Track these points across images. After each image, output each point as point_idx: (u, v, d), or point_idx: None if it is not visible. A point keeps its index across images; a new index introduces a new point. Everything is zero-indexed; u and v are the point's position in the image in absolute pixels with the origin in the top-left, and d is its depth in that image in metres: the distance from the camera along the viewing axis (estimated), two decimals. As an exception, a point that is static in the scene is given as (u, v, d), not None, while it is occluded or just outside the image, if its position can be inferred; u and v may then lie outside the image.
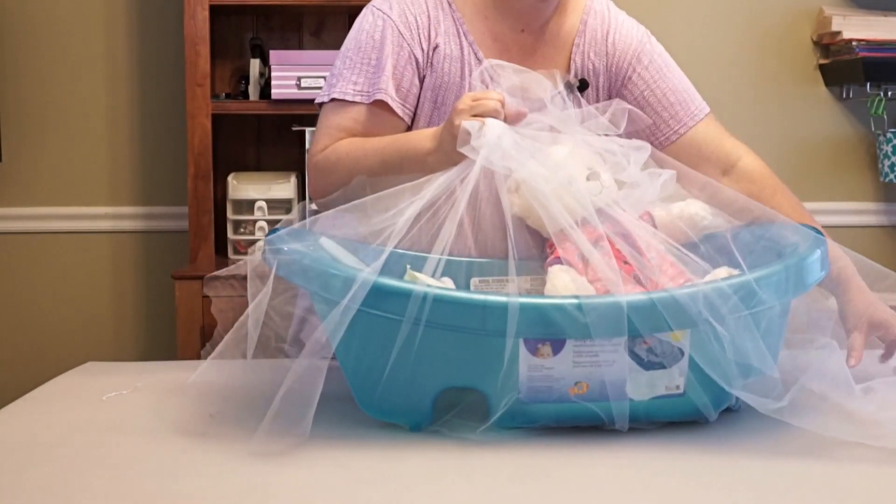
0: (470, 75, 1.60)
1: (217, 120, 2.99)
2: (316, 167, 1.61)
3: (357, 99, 1.59)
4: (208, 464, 1.19)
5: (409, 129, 1.61)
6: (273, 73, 2.94)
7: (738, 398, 1.33)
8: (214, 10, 2.93)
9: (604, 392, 1.26)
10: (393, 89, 1.58)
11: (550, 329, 1.22)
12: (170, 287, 2.98)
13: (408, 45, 1.59)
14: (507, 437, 1.27)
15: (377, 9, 1.63)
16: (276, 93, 2.94)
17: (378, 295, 1.23)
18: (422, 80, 1.61)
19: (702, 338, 1.23)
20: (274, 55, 2.96)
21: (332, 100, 1.62)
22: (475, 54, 1.61)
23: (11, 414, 1.42)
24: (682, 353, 1.25)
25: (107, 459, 1.21)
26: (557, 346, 1.23)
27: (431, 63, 1.60)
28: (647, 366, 1.25)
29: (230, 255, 3.02)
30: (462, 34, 1.62)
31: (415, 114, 1.62)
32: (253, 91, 3.03)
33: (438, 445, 1.25)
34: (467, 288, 1.52)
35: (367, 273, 1.24)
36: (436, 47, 1.60)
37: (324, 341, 1.24)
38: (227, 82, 3.21)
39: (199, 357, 2.74)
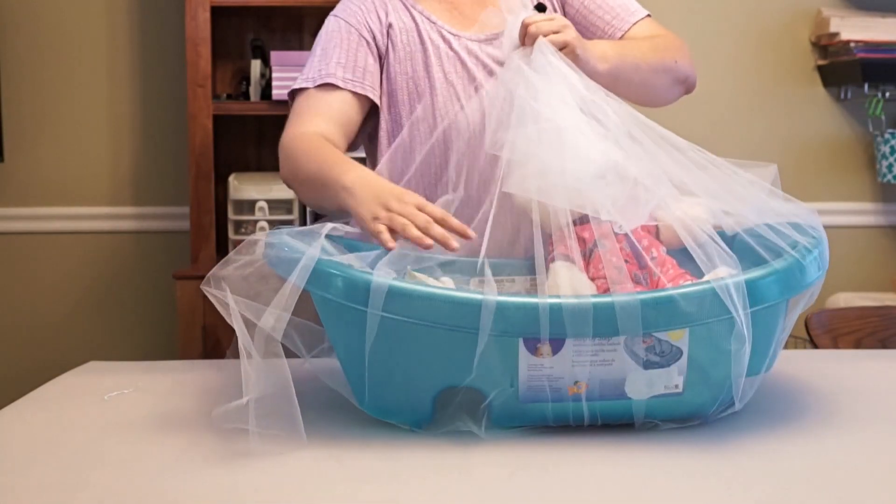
0: (430, 40, 1.71)
1: (218, 120, 3.00)
2: (280, 150, 1.68)
3: (306, 84, 1.70)
4: (208, 464, 1.20)
5: (390, 101, 1.72)
6: (274, 74, 2.94)
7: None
8: (215, 11, 2.93)
9: (603, 391, 1.26)
10: (343, 71, 1.69)
11: (546, 328, 1.22)
12: (171, 287, 2.99)
13: (355, 30, 1.72)
14: (507, 436, 1.28)
15: (330, 15, 1.78)
16: (276, 93, 2.95)
17: (375, 294, 1.24)
18: (382, 59, 1.73)
19: (700, 337, 1.24)
20: (275, 56, 2.96)
21: (293, 93, 1.74)
22: (428, 19, 1.73)
23: (12, 414, 1.42)
24: (682, 353, 1.25)
25: (107, 459, 1.22)
26: (557, 346, 1.24)
27: (391, 40, 1.73)
28: (646, 365, 1.25)
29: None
30: (409, 7, 1.75)
31: (392, 88, 1.72)
32: (254, 92, 3.04)
33: (439, 445, 1.26)
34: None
35: (310, 256, 1.27)
36: (390, 25, 1.73)
37: (274, 339, 1.25)
38: (228, 83, 3.21)
39: (199, 357, 2.75)
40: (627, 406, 1.28)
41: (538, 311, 1.22)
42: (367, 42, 1.72)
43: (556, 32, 1.52)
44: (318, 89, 1.68)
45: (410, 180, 1.63)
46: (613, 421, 1.30)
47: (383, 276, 1.25)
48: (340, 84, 1.68)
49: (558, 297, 1.25)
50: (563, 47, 1.51)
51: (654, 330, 1.23)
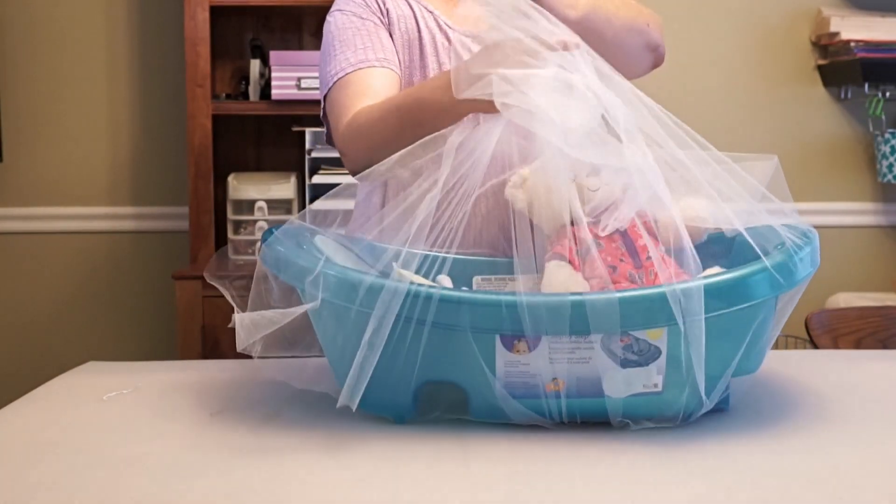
0: (427, 28, 1.69)
1: (217, 120, 3.00)
2: (342, 142, 1.62)
3: (338, 77, 1.65)
4: (208, 464, 1.20)
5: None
6: (273, 74, 2.95)
7: (728, 398, 1.33)
8: (214, 11, 2.94)
9: (581, 389, 1.26)
10: (374, 52, 1.65)
11: (528, 325, 1.23)
12: (170, 287, 2.99)
13: (367, 19, 1.69)
14: (507, 436, 1.28)
15: (333, 12, 1.74)
16: (276, 93, 2.95)
17: (354, 290, 1.26)
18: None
19: (680, 336, 1.23)
20: (274, 56, 2.96)
21: (329, 90, 1.67)
22: (426, 8, 1.71)
23: (11, 414, 1.42)
24: (660, 352, 1.25)
25: (107, 459, 1.21)
26: (533, 343, 1.24)
27: (390, 30, 1.70)
28: (624, 363, 1.25)
29: (230, 255, 3.03)
30: None
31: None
32: (253, 91, 3.04)
33: (438, 445, 1.25)
34: (470, 286, 1.54)
35: (379, 277, 1.27)
36: (387, 12, 1.71)
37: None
38: (228, 83, 3.21)
39: (199, 357, 2.75)
40: (606, 404, 1.28)
41: (513, 307, 1.23)
42: (382, 26, 1.69)
43: None
44: (353, 76, 1.63)
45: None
46: (593, 419, 1.30)
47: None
48: (376, 64, 1.64)
49: (530, 293, 1.26)
50: None
51: (627, 330, 1.23)
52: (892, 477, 1.16)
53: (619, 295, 1.23)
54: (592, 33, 1.49)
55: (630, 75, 1.63)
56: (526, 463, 1.20)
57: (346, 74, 1.63)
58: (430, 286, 1.32)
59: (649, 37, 1.66)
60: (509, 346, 1.25)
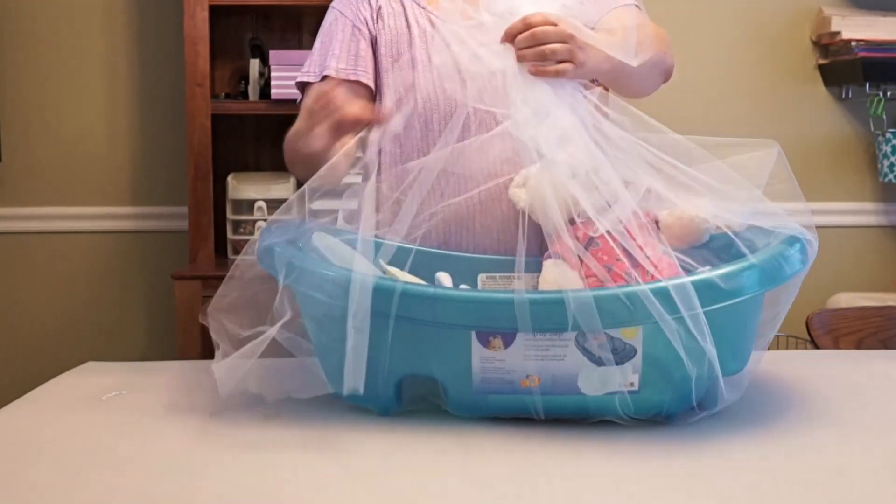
0: (417, 24, 1.73)
1: (217, 120, 2.99)
2: (286, 144, 1.73)
3: (309, 79, 1.76)
4: (208, 464, 1.20)
5: (377, 83, 1.75)
6: (272, 74, 2.94)
7: (717, 399, 1.33)
8: (214, 11, 2.93)
9: (556, 386, 1.27)
10: (337, 62, 1.73)
11: (497, 322, 1.25)
12: (170, 287, 2.98)
13: (350, 21, 1.76)
14: (507, 435, 1.28)
15: (330, 7, 1.82)
16: (275, 93, 2.94)
17: (339, 287, 1.28)
18: (374, 42, 1.75)
19: (657, 336, 1.23)
20: (273, 55, 2.96)
21: (301, 91, 1.78)
22: (417, 4, 1.75)
23: (11, 414, 1.42)
24: (636, 351, 1.25)
25: (105, 459, 1.21)
26: (508, 339, 1.26)
27: (380, 25, 1.75)
28: (599, 361, 1.25)
29: (230, 255, 3.02)
30: None
31: (378, 71, 1.75)
32: (252, 91, 3.04)
33: (439, 445, 1.26)
34: (475, 284, 1.55)
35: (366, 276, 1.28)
36: (379, 9, 1.76)
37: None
38: (227, 82, 3.21)
39: (198, 357, 2.74)
40: (582, 402, 1.28)
41: (485, 304, 1.26)
42: (360, 30, 1.75)
43: (561, 60, 1.46)
44: (318, 87, 1.69)
45: (396, 161, 1.64)
46: (569, 416, 1.31)
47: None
48: (333, 74, 1.72)
49: (503, 291, 1.27)
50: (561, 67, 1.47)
51: (606, 327, 1.23)
52: (894, 477, 1.16)
53: (610, 292, 1.23)
54: (622, 75, 1.57)
55: (642, 95, 1.70)
56: (523, 459, 1.20)
57: (313, 83, 1.73)
58: (408, 283, 1.33)
59: (664, 65, 1.72)
60: (485, 343, 1.26)
